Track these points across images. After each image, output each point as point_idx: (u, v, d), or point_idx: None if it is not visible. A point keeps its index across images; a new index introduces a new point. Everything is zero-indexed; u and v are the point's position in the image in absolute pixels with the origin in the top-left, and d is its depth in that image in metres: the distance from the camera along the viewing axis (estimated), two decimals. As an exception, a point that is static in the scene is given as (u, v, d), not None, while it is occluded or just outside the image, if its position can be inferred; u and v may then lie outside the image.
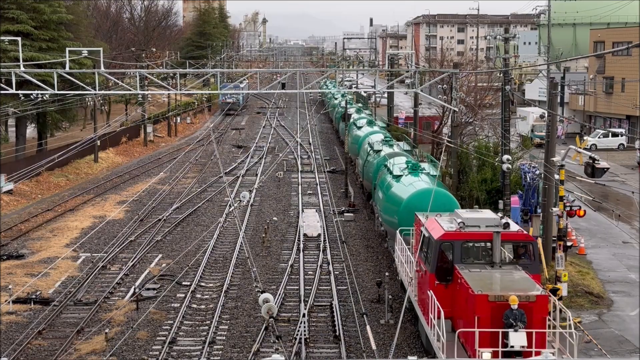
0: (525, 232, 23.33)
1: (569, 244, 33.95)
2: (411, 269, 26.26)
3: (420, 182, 33.10)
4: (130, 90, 55.43)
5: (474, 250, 22.86)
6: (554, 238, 30.80)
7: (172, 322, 27.87)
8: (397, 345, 24.74)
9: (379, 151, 43.09)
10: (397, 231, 29.82)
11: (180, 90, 55.03)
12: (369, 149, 45.91)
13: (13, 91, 39.93)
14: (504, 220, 22.48)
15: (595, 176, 28.99)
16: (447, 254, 22.63)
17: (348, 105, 67.39)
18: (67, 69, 41.11)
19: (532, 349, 19.15)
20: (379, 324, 27.68)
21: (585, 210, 33.87)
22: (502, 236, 22.13)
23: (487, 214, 24.21)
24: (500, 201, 36.10)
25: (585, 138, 65.98)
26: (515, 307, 19.28)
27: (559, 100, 62.64)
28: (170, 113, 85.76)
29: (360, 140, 51.12)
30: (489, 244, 22.52)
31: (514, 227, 23.33)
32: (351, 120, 60.79)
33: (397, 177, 34.50)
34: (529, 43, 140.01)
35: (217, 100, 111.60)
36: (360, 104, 78.08)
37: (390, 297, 28.78)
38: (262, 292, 23.34)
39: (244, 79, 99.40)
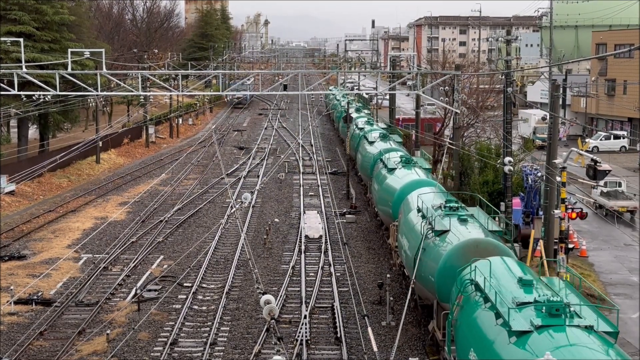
0: None
1: (570, 246, 33.96)
2: None
3: (580, 336, 15.46)
4: (132, 91, 55.47)
5: None
6: (555, 240, 30.81)
7: (173, 323, 27.88)
8: (398, 347, 24.72)
9: (440, 233, 24.85)
10: None
11: (182, 91, 55.00)
12: (419, 219, 27.39)
13: (15, 92, 40.01)
14: None
15: (597, 178, 29.01)
16: None
17: (367, 126, 54.77)
18: (69, 70, 41.17)
19: None
20: (380, 325, 27.68)
21: (587, 212, 33.89)
22: None
23: None
24: (502, 203, 36.12)
25: (587, 140, 66.10)
26: None
27: (560, 102, 62.76)
28: (172, 114, 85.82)
29: (398, 195, 33.41)
30: None
31: None
32: (375, 152, 44.16)
33: (515, 334, 16.18)
34: (531, 45, 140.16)
35: (220, 101, 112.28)
36: (383, 126, 58.14)
37: (391, 298, 28.80)
38: (264, 293, 23.35)
39: (251, 77, 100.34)
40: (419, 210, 28.17)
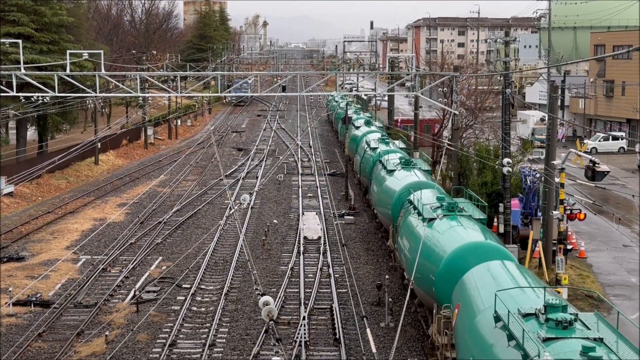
0: None
1: (569, 247, 33.99)
2: None
3: None
4: (130, 92, 55.43)
5: None
6: (554, 241, 30.82)
7: (172, 324, 27.87)
8: (397, 348, 24.72)
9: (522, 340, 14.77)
10: None
11: (180, 92, 55.02)
12: (502, 337, 15.96)
13: (14, 93, 40.01)
14: None
15: (596, 179, 29.03)
16: None
17: (382, 146, 45.65)
18: (67, 71, 41.18)
19: None
20: (379, 326, 27.67)
21: (585, 214, 33.89)
22: None
23: None
24: (500, 204, 36.10)
25: (585, 141, 66.12)
26: None
27: (559, 103, 62.79)
28: (170, 115, 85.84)
29: (448, 268, 22.41)
30: None
31: None
32: (399, 188, 33.98)
33: None
34: (530, 46, 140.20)
35: (218, 102, 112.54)
36: (401, 145, 50.21)
37: (390, 300, 28.80)
38: (263, 294, 23.35)
39: (251, 77, 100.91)
40: (497, 319, 16.63)
